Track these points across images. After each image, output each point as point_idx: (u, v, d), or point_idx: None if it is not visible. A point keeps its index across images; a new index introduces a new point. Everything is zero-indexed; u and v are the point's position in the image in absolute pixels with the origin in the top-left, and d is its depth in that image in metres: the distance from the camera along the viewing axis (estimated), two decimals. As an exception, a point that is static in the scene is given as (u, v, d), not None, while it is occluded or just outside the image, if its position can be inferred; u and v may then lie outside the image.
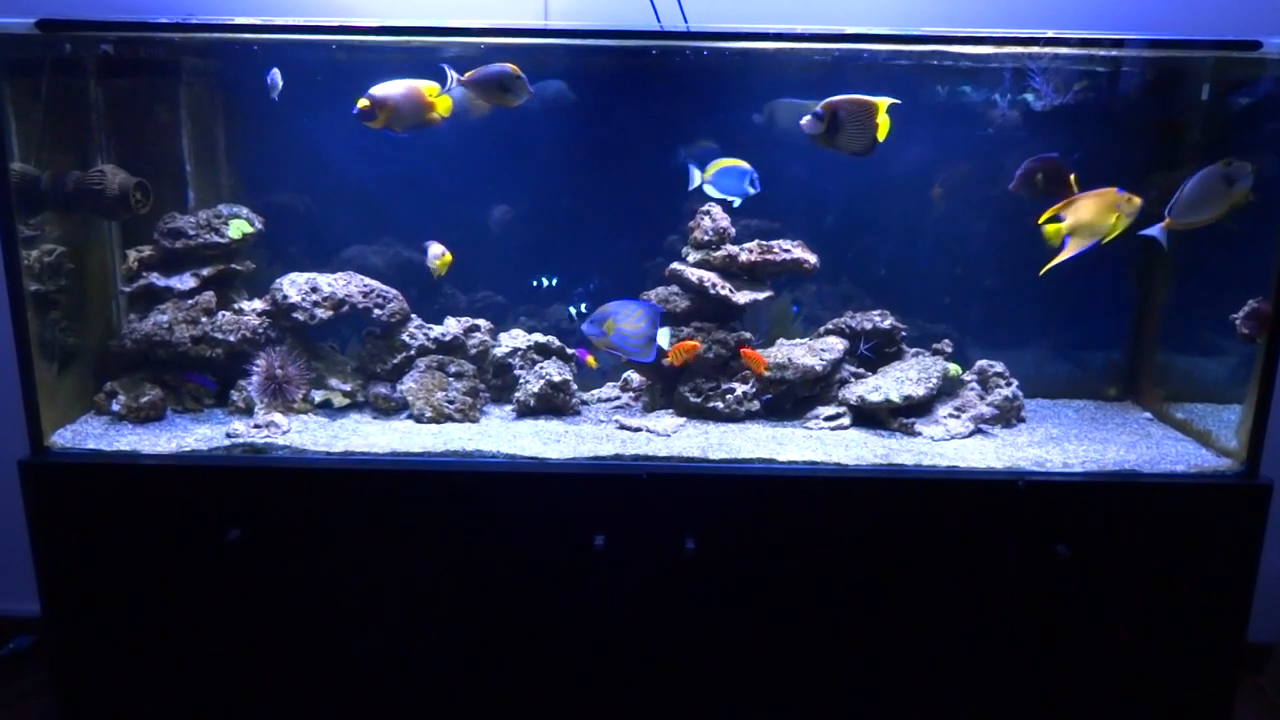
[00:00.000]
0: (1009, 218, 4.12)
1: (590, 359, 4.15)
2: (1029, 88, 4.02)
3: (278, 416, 3.67)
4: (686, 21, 3.75)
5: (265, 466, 3.36)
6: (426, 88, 3.45)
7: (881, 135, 3.34)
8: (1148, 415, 4.13)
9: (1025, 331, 4.38)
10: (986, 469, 3.40)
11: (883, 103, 3.31)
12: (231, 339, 3.77)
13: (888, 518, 3.30)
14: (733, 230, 3.98)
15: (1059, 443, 3.75)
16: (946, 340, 4.09)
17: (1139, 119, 4.04)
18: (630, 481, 3.30)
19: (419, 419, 3.81)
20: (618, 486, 3.30)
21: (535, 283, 4.29)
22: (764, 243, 3.91)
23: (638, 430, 3.75)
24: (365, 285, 3.91)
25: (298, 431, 3.66)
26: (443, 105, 3.47)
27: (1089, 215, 3.40)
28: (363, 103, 3.41)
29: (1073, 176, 3.56)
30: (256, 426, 3.59)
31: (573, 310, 4.00)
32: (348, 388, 3.89)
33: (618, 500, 3.27)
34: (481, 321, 4.12)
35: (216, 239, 3.86)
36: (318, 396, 3.92)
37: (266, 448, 3.41)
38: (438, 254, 3.86)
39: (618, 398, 4.19)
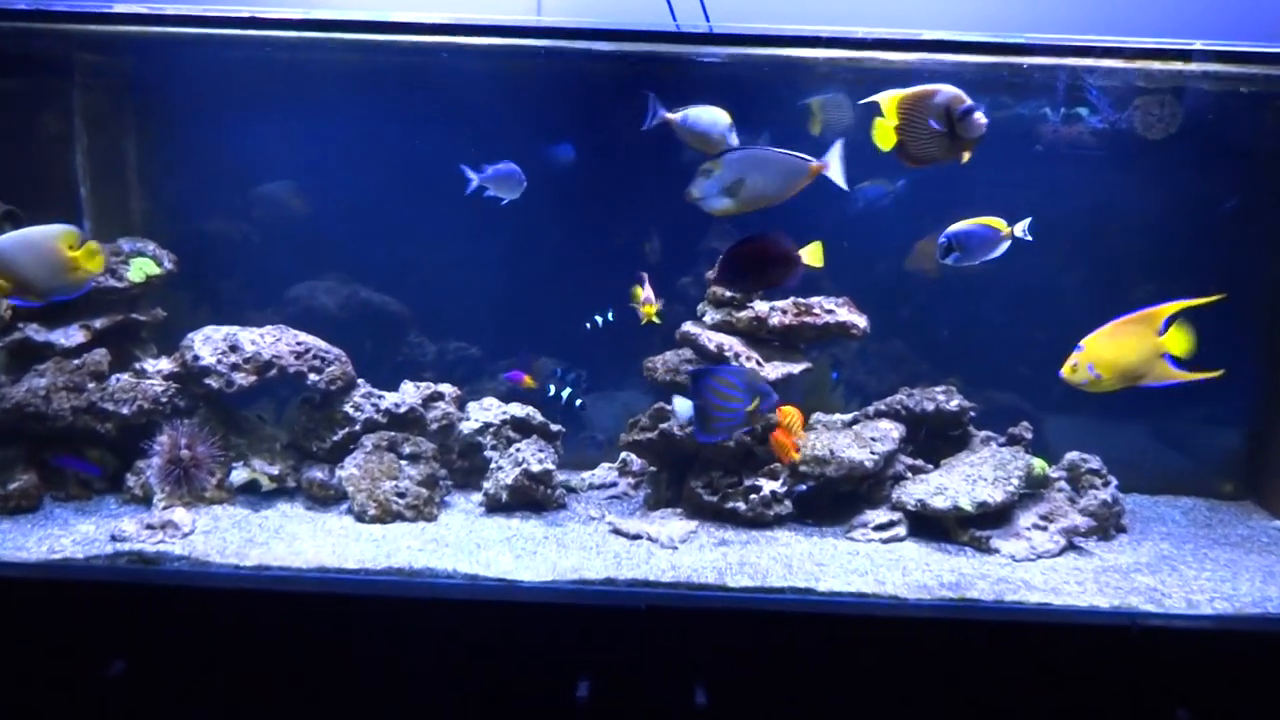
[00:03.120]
0: (1102, 268, 3.35)
1: (526, 379, 3.50)
2: (1085, 100, 3.28)
3: (179, 514, 2.94)
4: (709, 20, 2.96)
5: (157, 584, 2.79)
6: (62, 237, 2.62)
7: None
8: (1278, 525, 3.33)
9: (1119, 409, 3.60)
10: (1090, 608, 2.77)
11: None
12: (125, 411, 3.05)
13: (959, 671, 2.69)
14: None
15: (1174, 566, 3.02)
16: (1025, 424, 3.30)
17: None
18: (625, 614, 2.71)
19: (360, 516, 3.07)
20: (608, 620, 2.72)
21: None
22: (801, 301, 3.13)
23: (636, 538, 3.01)
24: (299, 343, 3.16)
25: (204, 532, 3.01)
26: (91, 263, 2.64)
27: (1115, 355, 2.67)
28: None
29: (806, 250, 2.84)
30: (150, 528, 2.89)
31: (553, 388, 3.27)
32: (275, 470, 3.16)
33: (608, 638, 2.71)
34: (445, 388, 3.38)
35: (113, 283, 3.15)
36: (239, 476, 3.16)
37: (159, 558, 2.86)
38: (648, 298, 3.15)
39: (614, 484, 3.45)
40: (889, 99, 2.56)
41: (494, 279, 3.72)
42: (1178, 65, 3.00)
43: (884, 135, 2.58)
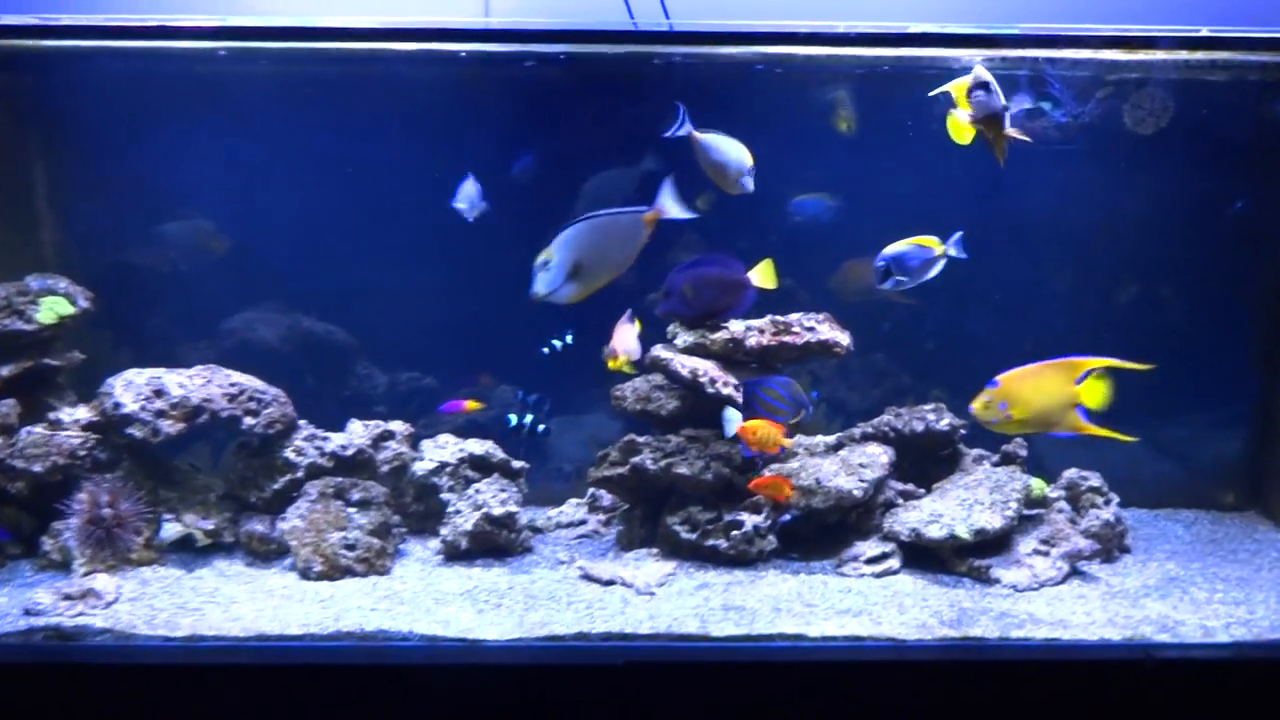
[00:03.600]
0: (1091, 272, 3.19)
1: (468, 404, 3.31)
2: (1048, 95, 3.13)
3: (102, 580, 2.68)
4: (668, 18, 2.73)
5: (76, 663, 2.54)
6: None
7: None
8: None
9: (1114, 419, 3.39)
10: (1101, 642, 2.60)
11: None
12: (38, 468, 2.76)
13: (969, 716, 2.50)
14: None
15: (1184, 589, 2.89)
16: (1019, 440, 3.11)
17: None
18: (601, 672, 2.50)
19: (305, 573, 2.82)
20: (583, 679, 2.50)
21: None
22: (779, 319, 2.92)
23: (610, 584, 2.79)
24: (232, 384, 2.91)
25: (130, 599, 2.75)
26: None
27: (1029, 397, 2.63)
28: None
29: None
30: (69, 598, 2.63)
31: (513, 418, 3.02)
32: (210, 524, 2.89)
33: (583, 699, 2.48)
34: (397, 425, 3.13)
35: (21, 325, 2.83)
36: (171, 532, 2.89)
37: (79, 633, 2.58)
38: (624, 349, 2.87)
39: (583, 521, 3.21)
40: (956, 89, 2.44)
41: (448, 302, 3.49)
42: (1159, 55, 2.83)
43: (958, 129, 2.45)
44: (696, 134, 2.68)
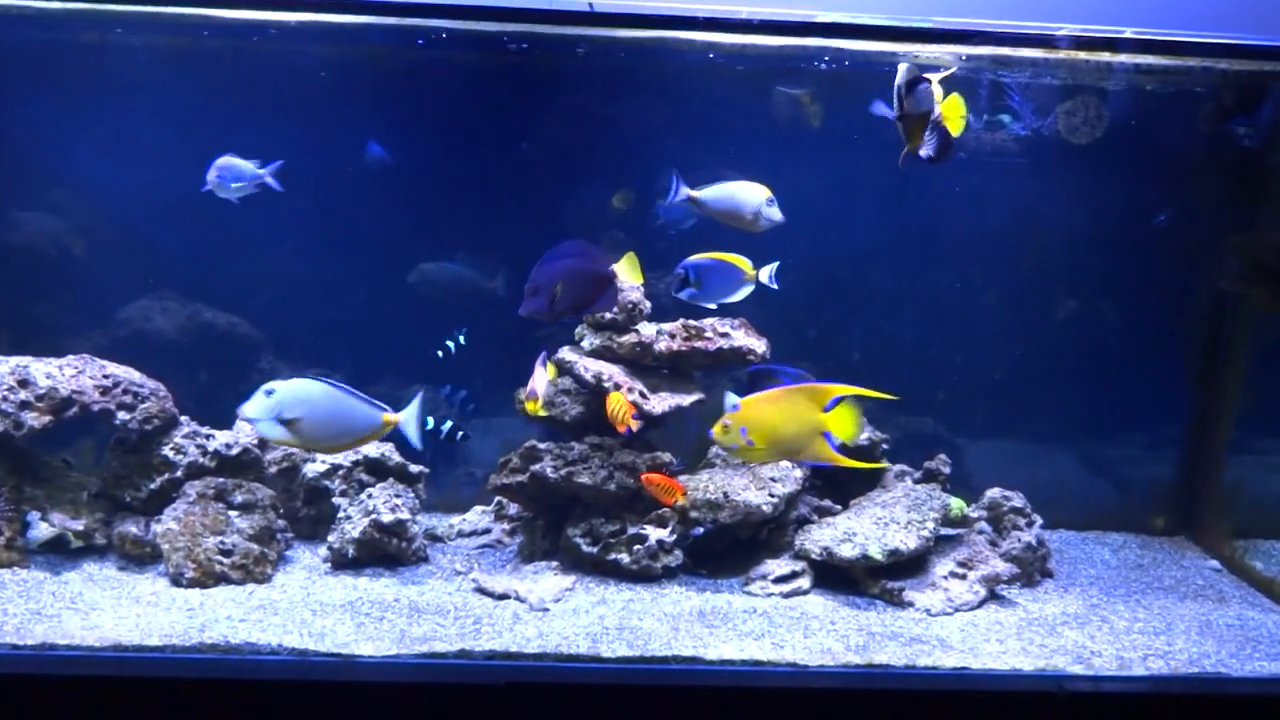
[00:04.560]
0: (1025, 284, 3.09)
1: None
2: (1006, 108, 3.03)
3: None
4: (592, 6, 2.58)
5: None
6: None
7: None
8: (1214, 564, 3.11)
9: (1043, 436, 3.32)
10: (1011, 671, 2.48)
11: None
12: None
13: None
14: (647, 305, 2.81)
15: (1104, 616, 2.79)
16: (943, 457, 2.99)
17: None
18: (480, 692, 2.32)
19: (177, 580, 2.64)
20: (461, 700, 2.32)
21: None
22: (691, 323, 2.78)
23: (503, 598, 2.63)
24: (105, 376, 2.72)
25: None
26: None
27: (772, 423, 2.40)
28: None
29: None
30: None
31: (430, 421, 2.86)
32: (80, 525, 2.68)
33: None
34: (289, 425, 2.89)
35: None
36: (42, 532, 2.68)
37: None
38: (540, 393, 2.66)
39: (487, 530, 3.04)
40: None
41: (359, 293, 3.32)
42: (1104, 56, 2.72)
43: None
44: (695, 194, 2.57)
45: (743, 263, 2.58)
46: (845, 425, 2.36)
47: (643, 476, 2.65)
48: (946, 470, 3.01)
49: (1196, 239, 3.02)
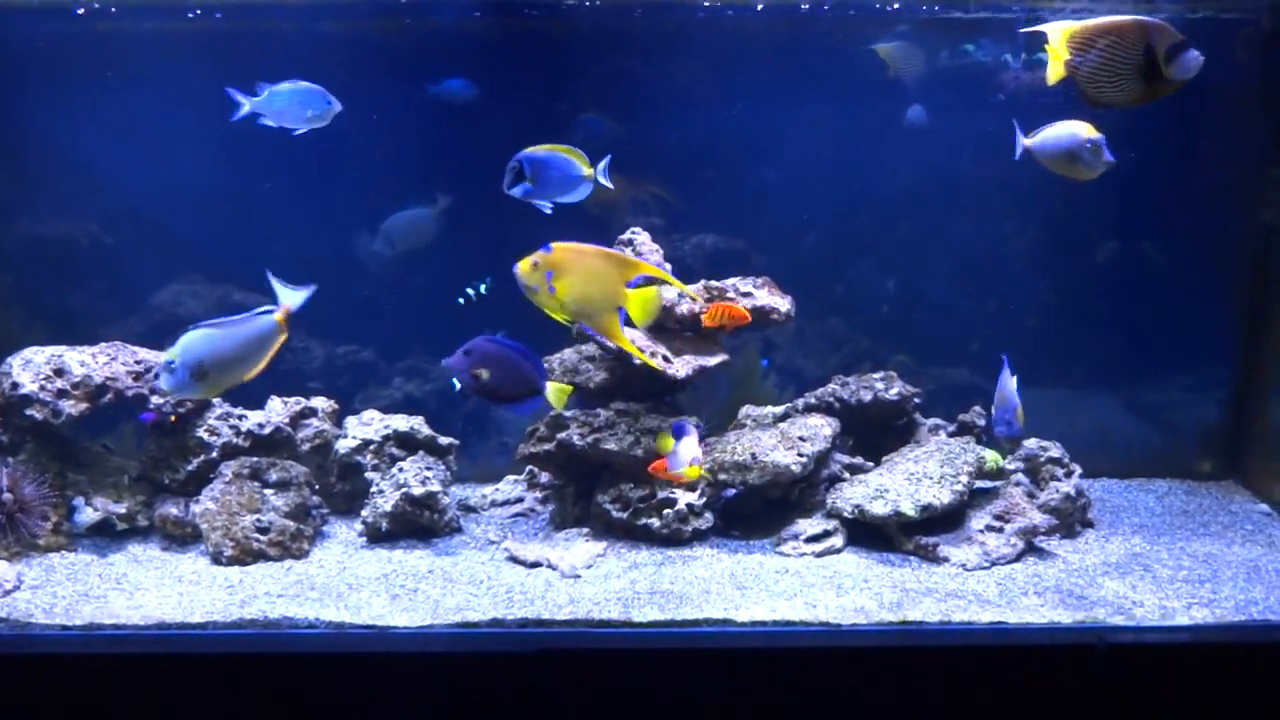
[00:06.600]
0: (1063, 228, 2.97)
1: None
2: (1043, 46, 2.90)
3: (0, 568, 2.50)
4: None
5: None
6: None
7: None
8: (1263, 508, 3.02)
9: (1083, 383, 3.24)
10: (1049, 625, 2.45)
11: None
12: None
13: (902, 706, 2.30)
14: (667, 265, 2.77)
15: (1147, 566, 2.72)
16: (977, 409, 2.93)
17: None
18: (513, 660, 2.33)
19: (216, 558, 2.70)
20: (494, 668, 2.34)
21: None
22: (713, 284, 2.74)
23: (535, 566, 2.65)
24: (138, 361, 2.81)
25: (32, 587, 2.63)
26: None
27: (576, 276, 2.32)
28: None
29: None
30: None
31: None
32: (122, 508, 2.75)
33: (493, 689, 2.33)
34: (319, 402, 3.00)
35: None
36: (89, 516, 2.76)
37: None
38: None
39: (520, 499, 3.06)
40: (1060, 31, 2.22)
41: (389, 270, 3.32)
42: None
43: (1055, 69, 2.25)
44: (1026, 141, 2.52)
45: (581, 158, 2.43)
46: (641, 307, 2.34)
47: (652, 468, 2.62)
48: (980, 423, 2.96)
49: (1240, 172, 2.89)
